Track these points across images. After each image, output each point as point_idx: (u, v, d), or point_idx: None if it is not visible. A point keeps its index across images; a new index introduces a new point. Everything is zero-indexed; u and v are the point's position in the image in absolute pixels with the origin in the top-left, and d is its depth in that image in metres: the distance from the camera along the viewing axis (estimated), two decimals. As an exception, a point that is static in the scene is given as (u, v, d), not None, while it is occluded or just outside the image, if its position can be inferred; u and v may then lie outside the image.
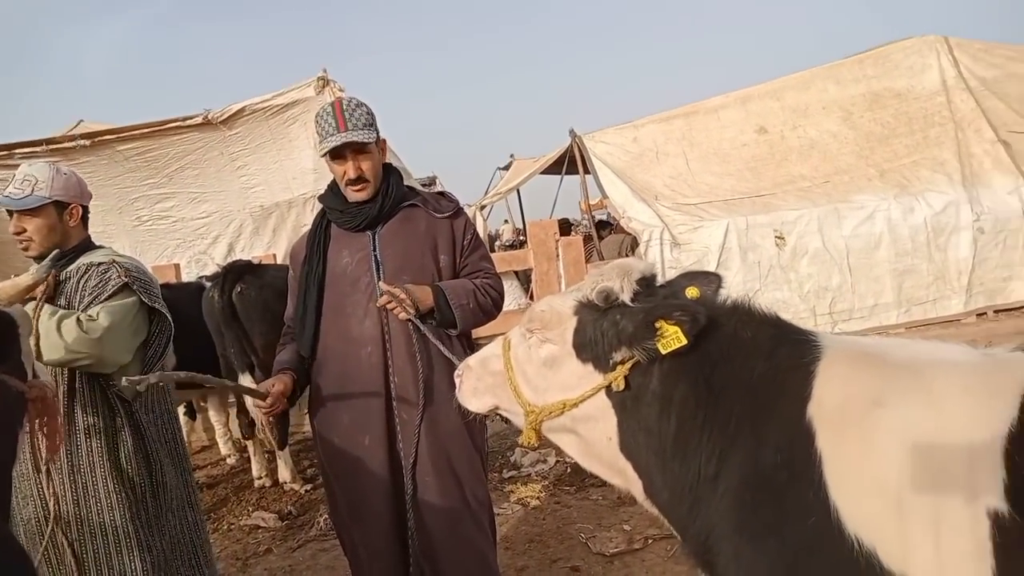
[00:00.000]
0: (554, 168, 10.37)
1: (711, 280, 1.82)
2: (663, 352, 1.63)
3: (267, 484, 5.39)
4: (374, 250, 2.50)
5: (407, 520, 2.40)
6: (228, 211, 7.68)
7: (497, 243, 16.75)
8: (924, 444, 1.38)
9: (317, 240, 2.58)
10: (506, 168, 13.91)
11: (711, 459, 1.61)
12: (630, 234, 9.04)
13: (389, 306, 2.34)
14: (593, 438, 1.86)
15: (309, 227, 2.69)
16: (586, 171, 9.09)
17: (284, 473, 5.31)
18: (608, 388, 1.75)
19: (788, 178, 8.31)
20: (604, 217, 12.72)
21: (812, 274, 7.76)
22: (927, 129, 8.50)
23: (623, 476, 1.87)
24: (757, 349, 1.64)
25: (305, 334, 2.51)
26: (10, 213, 2.54)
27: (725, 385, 1.63)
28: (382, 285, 2.37)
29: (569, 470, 5.04)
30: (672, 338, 1.62)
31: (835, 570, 1.41)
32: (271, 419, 4.49)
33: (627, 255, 8.84)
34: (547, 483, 4.94)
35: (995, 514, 1.26)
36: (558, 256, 7.25)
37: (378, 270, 2.48)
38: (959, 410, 1.37)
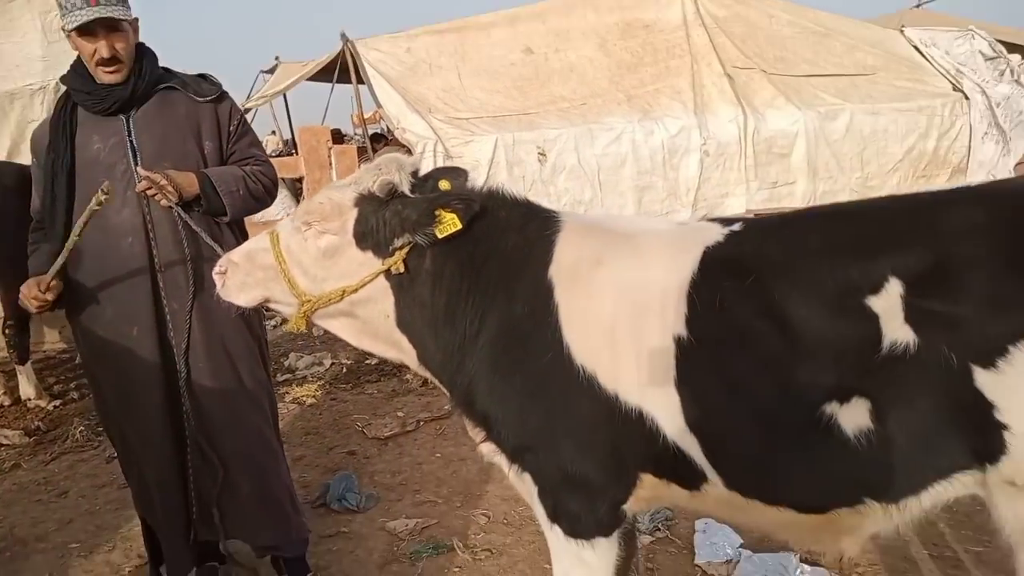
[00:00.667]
0: (324, 75, 9.99)
1: (459, 174, 2.06)
2: (440, 236, 1.85)
3: (5, 403, 4.91)
4: (129, 135, 2.39)
5: (182, 404, 2.43)
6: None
7: (263, 154, 15.84)
8: (632, 291, 1.76)
9: (62, 125, 2.39)
10: (271, 72, 13.09)
11: (474, 320, 1.89)
12: (404, 147, 9.12)
13: (149, 192, 2.28)
14: (371, 317, 2.06)
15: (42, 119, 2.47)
16: (359, 81, 8.92)
17: (27, 389, 4.86)
18: (387, 271, 1.94)
19: (550, 98, 8.87)
20: (379, 130, 12.58)
21: (569, 188, 8.48)
22: (668, 60, 9.49)
23: (398, 348, 2.10)
24: (510, 226, 1.93)
25: (56, 227, 2.36)
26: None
27: (486, 258, 1.90)
28: (140, 171, 2.29)
29: (345, 370, 5.23)
30: (449, 223, 1.84)
31: (566, 393, 1.77)
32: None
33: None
34: (323, 383, 5.09)
35: (678, 339, 1.67)
36: (331, 164, 7.16)
37: (135, 156, 2.38)
38: (658, 264, 1.77)
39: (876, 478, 1.57)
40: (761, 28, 10.29)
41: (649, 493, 1.87)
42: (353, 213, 1.95)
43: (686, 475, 1.76)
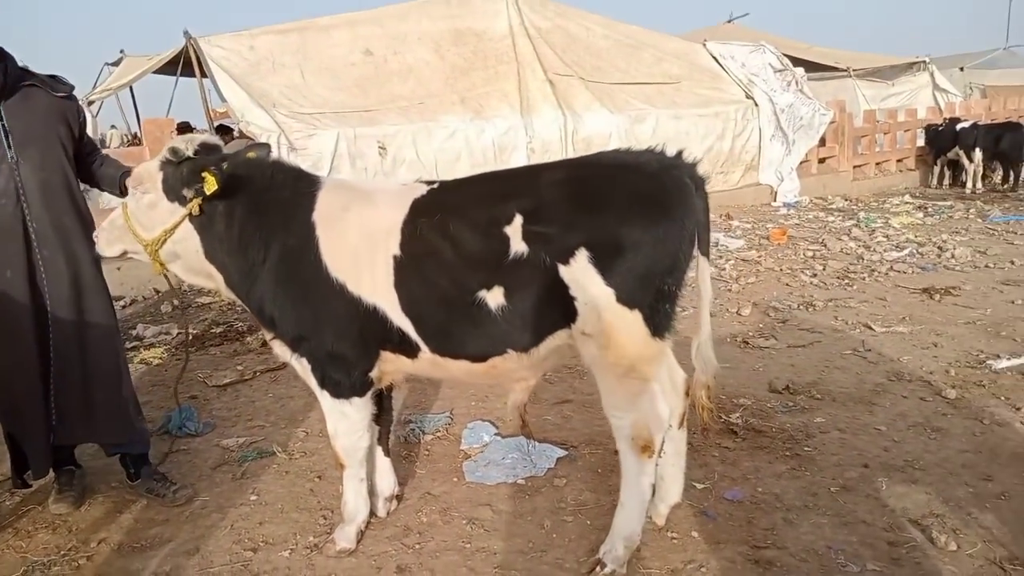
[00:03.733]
0: (169, 69, 10.29)
1: (263, 148, 2.90)
2: (208, 192, 2.66)
3: None
4: (1, 120, 3.03)
5: (48, 330, 3.09)
6: None
7: (105, 149, 15.55)
8: (367, 227, 2.68)
9: None
10: (115, 64, 13.03)
11: (260, 249, 2.74)
12: (252, 139, 9.63)
13: None
14: (188, 253, 2.86)
15: None
16: (203, 75, 9.34)
17: None
18: (190, 215, 2.75)
19: (390, 97, 9.70)
20: (227, 123, 12.85)
21: (408, 180, 9.33)
22: (497, 65, 10.58)
23: (213, 278, 2.92)
24: (286, 184, 2.81)
25: None
26: None
27: (268, 205, 2.76)
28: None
29: (191, 338, 5.82)
30: (210, 183, 2.65)
31: (326, 297, 2.66)
32: None
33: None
34: (168, 347, 5.68)
35: (395, 257, 2.60)
36: (175, 155, 7.62)
37: (7, 137, 3.02)
38: (384, 209, 2.70)
39: (511, 335, 2.57)
40: (580, 39, 11.61)
41: (390, 365, 2.81)
42: (159, 175, 2.76)
43: (407, 347, 2.70)
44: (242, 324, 6.15)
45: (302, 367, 2.83)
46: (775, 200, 12.37)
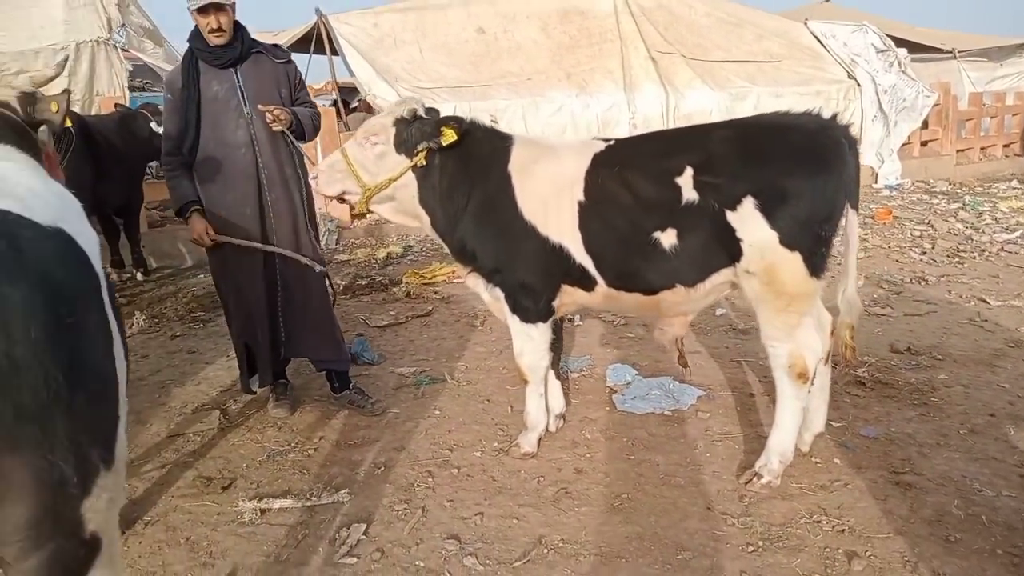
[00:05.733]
0: (300, 47, 11.00)
1: (437, 112, 3.37)
2: (444, 144, 3.18)
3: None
4: (238, 82, 3.61)
5: (276, 267, 3.69)
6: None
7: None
8: (554, 177, 3.14)
9: (190, 73, 3.60)
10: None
11: (464, 197, 3.24)
12: (373, 112, 10.28)
13: (270, 117, 3.50)
14: (404, 198, 3.38)
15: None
16: (333, 52, 10.00)
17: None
18: (414, 167, 3.27)
19: (500, 73, 10.15)
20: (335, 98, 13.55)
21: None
22: (601, 43, 10.89)
23: (420, 219, 3.44)
24: (485, 141, 3.28)
25: (188, 141, 3.56)
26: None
27: (470, 159, 3.24)
28: (264, 107, 3.52)
29: (341, 288, 6.46)
30: (449, 136, 3.16)
31: (519, 237, 3.14)
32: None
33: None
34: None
35: (578, 202, 3.06)
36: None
37: (243, 96, 3.61)
38: (568, 162, 3.14)
39: (680, 272, 2.98)
40: (681, 17, 11.78)
41: (568, 297, 3.28)
42: (392, 130, 3.27)
43: (586, 282, 3.16)
44: (383, 278, 6.76)
45: (492, 296, 3.33)
46: (875, 182, 12.30)
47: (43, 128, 2.58)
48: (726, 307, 5.42)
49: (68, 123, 2.59)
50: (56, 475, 1.25)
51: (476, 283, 3.40)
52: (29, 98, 2.47)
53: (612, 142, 3.18)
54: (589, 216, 3.04)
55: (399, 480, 3.24)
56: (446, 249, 3.52)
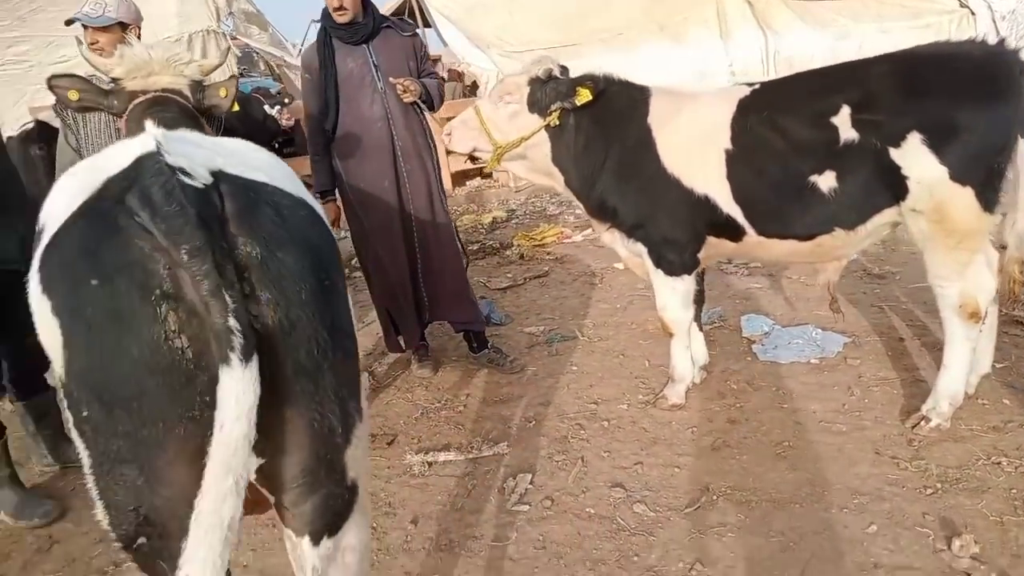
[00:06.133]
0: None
1: (567, 70, 3.34)
2: (578, 103, 3.16)
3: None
4: (371, 57, 3.70)
5: (414, 235, 3.80)
6: (88, 55, 7.71)
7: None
8: (697, 126, 3.07)
9: (325, 51, 3.70)
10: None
11: (601, 153, 3.22)
12: (461, 81, 10.36)
13: (401, 89, 3.58)
14: (536, 157, 3.40)
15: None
16: (425, 24, 10.08)
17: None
18: (547, 126, 3.27)
19: (592, 31, 9.98)
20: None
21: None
22: (696, -9, 10.51)
23: (552, 178, 3.45)
24: (620, 94, 3.24)
25: (330, 118, 3.69)
26: (85, 28, 3.37)
27: (605, 114, 3.21)
28: (395, 80, 3.60)
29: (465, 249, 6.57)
30: (584, 95, 3.15)
31: (663, 189, 3.10)
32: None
33: (464, 96, 10.17)
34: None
35: (724, 150, 2.99)
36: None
37: (376, 71, 3.69)
38: (712, 110, 3.07)
39: (841, 215, 2.88)
40: (779, -45, 11.18)
41: (713, 249, 3.23)
42: (526, 89, 3.27)
43: (733, 232, 3.09)
44: (493, 242, 6.84)
45: (632, 251, 3.32)
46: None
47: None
48: (857, 252, 5.20)
49: (235, 108, 2.73)
50: (326, 426, 1.35)
51: (613, 239, 3.40)
52: (198, 85, 2.62)
53: (757, 86, 3.07)
54: (738, 164, 2.97)
55: (552, 433, 3.31)
56: (580, 209, 3.52)
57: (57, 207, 1.38)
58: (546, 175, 3.49)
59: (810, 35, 10.54)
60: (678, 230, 3.18)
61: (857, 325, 4.11)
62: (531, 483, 2.91)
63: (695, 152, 3.07)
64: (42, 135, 4.65)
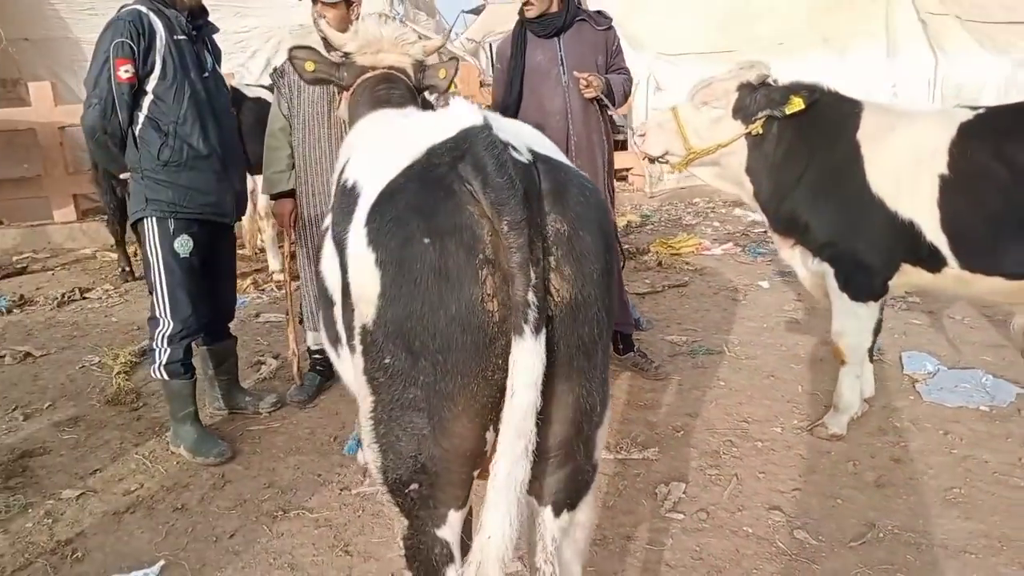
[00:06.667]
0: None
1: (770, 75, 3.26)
2: (788, 113, 3.10)
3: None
4: (560, 51, 3.77)
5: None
6: (269, 27, 8.27)
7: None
8: (912, 148, 2.94)
9: (517, 43, 3.81)
10: (475, 12, 14.43)
11: (801, 166, 3.14)
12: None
13: (584, 84, 3.63)
14: (730, 164, 3.35)
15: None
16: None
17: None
18: (748, 134, 3.22)
19: (751, 37, 9.68)
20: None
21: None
22: (866, 5, 10.00)
23: (742, 187, 3.39)
24: (829, 107, 3.15)
25: (510, 109, 3.80)
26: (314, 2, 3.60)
27: (812, 126, 3.13)
28: (579, 74, 3.66)
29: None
30: (796, 104, 3.08)
31: (865, 210, 2.99)
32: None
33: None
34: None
35: (940, 176, 2.85)
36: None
37: (563, 65, 3.76)
38: (929, 133, 2.93)
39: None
40: (961, -28, 10.47)
41: (906, 278, 3.09)
42: (734, 96, 3.23)
43: (933, 263, 2.95)
44: (628, 246, 6.82)
45: (812, 271, 3.22)
46: None
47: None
48: None
49: (452, 88, 2.86)
50: (589, 403, 1.41)
51: (793, 256, 3.31)
52: (420, 65, 2.76)
53: (982, 110, 2.92)
54: (952, 191, 2.82)
55: (702, 446, 3.28)
56: (718, 221, 3.45)
57: (370, 167, 1.51)
58: (735, 183, 3.44)
59: (986, 59, 9.83)
60: (873, 254, 3.05)
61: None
62: (684, 493, 2.90)
63: (906, 174, 2.94)
64: (234, 101, 5.02)
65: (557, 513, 1.49)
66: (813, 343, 4.40)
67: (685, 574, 2.46)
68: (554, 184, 1.34)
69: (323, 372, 3.93)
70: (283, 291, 4.40)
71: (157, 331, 3.17)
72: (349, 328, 1.51)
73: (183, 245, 3.13)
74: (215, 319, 3.47)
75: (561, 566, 1.50)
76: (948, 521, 2.68)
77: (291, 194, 3.71)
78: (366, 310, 1.38)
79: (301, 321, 3.96)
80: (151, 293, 3.20)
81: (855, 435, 3.31)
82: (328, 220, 2.01)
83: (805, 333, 4.59)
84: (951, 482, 2.92)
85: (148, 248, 3.12)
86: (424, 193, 1.33)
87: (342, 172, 1.79)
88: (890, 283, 3.10)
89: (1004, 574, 2.39)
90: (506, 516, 1.26)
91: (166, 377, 3.21)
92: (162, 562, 2.57)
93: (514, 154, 1.31)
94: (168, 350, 3.17)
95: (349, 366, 1.73)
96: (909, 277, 3.09)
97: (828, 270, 3.16)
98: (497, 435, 1.33)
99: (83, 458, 3.32)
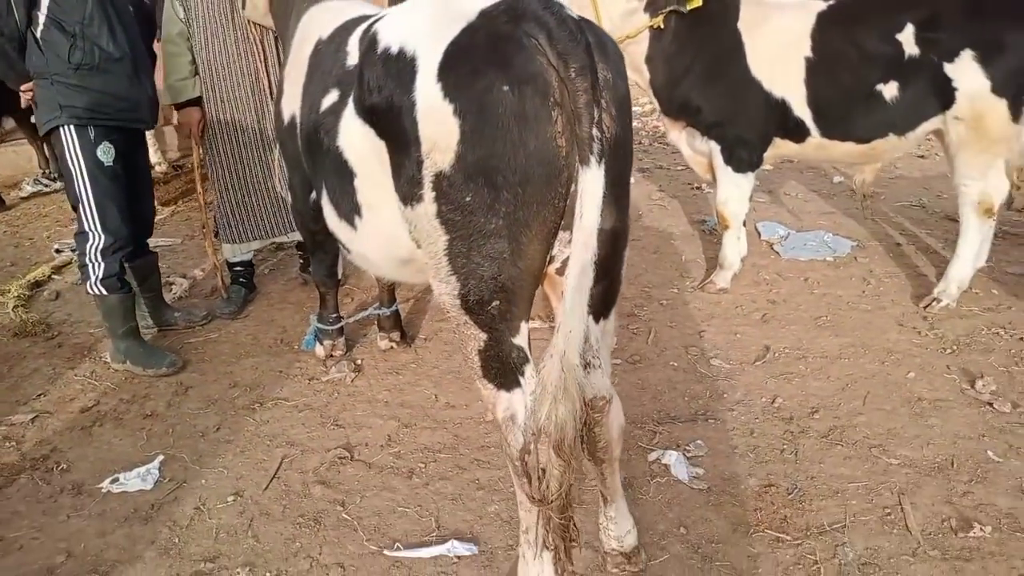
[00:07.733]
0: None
1: None
2: (689, 8, 3.48)
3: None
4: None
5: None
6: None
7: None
8: (782, 34, 3.46)
9: None
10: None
11: (690, 55, 3.58)
12: None
13: None
14: (633, 54, 3.68)
15: None
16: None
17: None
18: (652, 27, 3.58)
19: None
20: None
21: None
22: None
23: (640, 75, 3.76)
24: (714, 1, 3.58)
25: None
26: None
27: (699, 20, 3.56)
28: None
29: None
30: (695, 1, 3.46)
31: (746, 92, 3.51)
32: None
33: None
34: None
35: (805, 59, 3.41)
36: None
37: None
38: (796, 20, 3.46)
39: (895, 121, 3.37)
40: None
41: (775, 150, 3.68)
42: None
43: (798, 134, 3.54)
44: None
45: (695, 150, 3.76)
46: None
47: None
48: (841, 176, 5.79)
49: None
50: (621, 228, 1.75)
51: (680, 138, 3.80)
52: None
53: (833, 1, 3.48)
54: (814, 72, 3.39)
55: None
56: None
57: (419, 31, 1.68)
58: (635, 71, 3.76)
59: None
60: (752, 130, 3.60)
61: (859, 233, 4.70)
62: (615, 343, 3.36)
63: (777, 57, 3.46)
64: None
65: (597, 320, 1.83)
66: (683, 223, 5.03)
67: (636, 399, 2.94)
68: (598, 38, 1.62)
69: (246, 284, 3.94)
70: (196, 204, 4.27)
71: (88, 245, 3.05)
72: (412, 182, 1.69)
73: (106, 153, 3.01)
74: (136, 233, 3.37)
75: (602, 361, 1.86)
76: (823, 339, 3.37)
77: (197, 102, 3.60)
78: (442, 158, 1.59)
79: (216, 235, 3.91)
80: (76, 208, 3.05)
81: (737, 287, 3.94)
82: (331, 98, 2.12)
83: (673, 216, 5.21)
84: (818, 312, 3.63)
85: (69, 158, 2.96)
86: (496, 48, 1.56)
87: (369, 42, 1.88)
88: (765, 155, 3.69)
89: (871, 368, 3.10)
90: (580, 314, 1.56)
91: (104, 292, 3.11)
92: (161, 456, 2.63)
93: (568, 11, 1.56)
94: (103, 264, 3.07)
95: (387, 224, 1.93)
96: (779, 149, 3.69)
97: (715, 147, 3.69)
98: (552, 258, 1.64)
99: (17, 387, 3.18)
